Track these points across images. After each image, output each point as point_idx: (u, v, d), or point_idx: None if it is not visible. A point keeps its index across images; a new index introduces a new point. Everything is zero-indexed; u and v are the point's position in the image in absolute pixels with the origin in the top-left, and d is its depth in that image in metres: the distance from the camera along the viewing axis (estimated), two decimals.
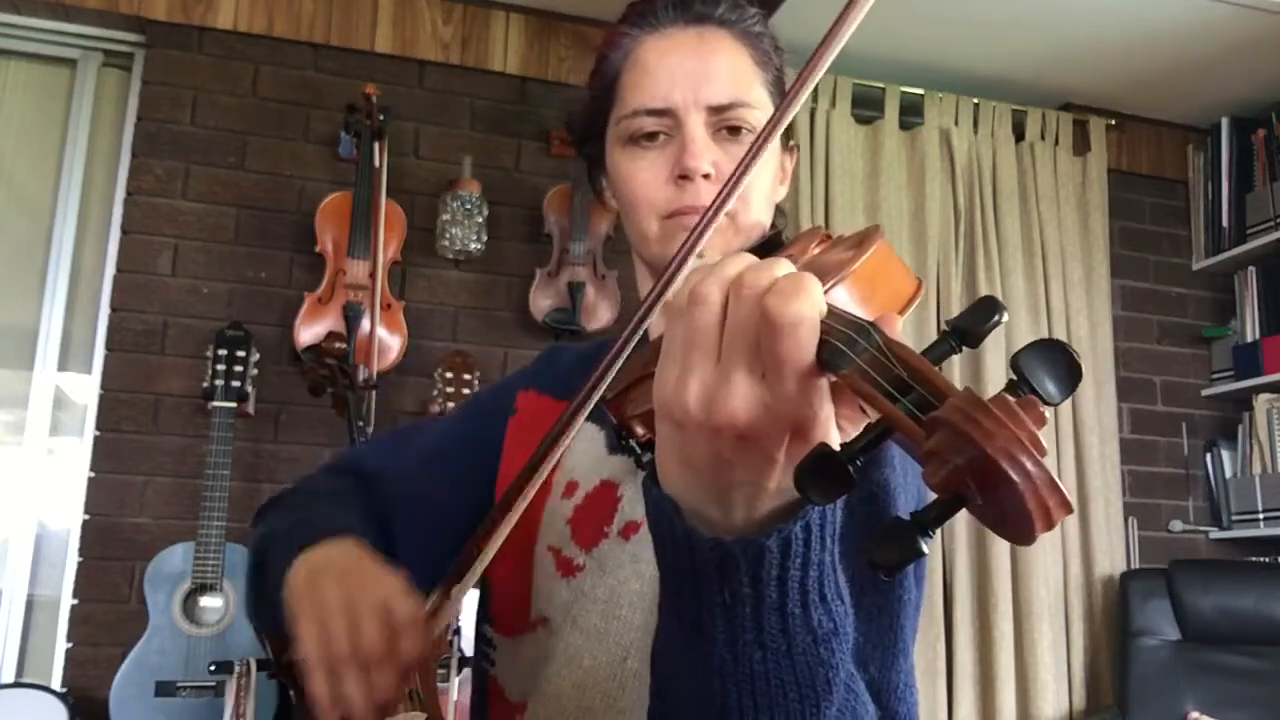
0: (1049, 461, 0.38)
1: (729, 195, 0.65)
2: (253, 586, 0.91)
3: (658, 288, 0.63)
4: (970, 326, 0.45)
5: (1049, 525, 0.37)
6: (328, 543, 0.82)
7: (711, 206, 0.66)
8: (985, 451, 0.37)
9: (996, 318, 0.45)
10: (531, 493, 0.71)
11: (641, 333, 0.64)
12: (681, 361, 0.48)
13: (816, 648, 0.51)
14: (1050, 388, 0.41)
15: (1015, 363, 0.42)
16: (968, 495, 0.39)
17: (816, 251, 0.74)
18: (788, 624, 0.50)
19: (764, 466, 0.48)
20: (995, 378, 2.98)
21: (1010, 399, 0.39)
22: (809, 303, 0.45)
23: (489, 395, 1.04)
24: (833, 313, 0.46)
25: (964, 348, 0.45)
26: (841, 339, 0.45)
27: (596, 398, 0.65)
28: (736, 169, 0.65)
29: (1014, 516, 0.38)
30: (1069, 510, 0.37)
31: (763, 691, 0.51)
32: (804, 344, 0.45)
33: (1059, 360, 0.42)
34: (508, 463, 0.95)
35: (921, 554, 0.40)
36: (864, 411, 0.48)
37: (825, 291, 0.57)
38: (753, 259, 0.49)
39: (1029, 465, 0.37)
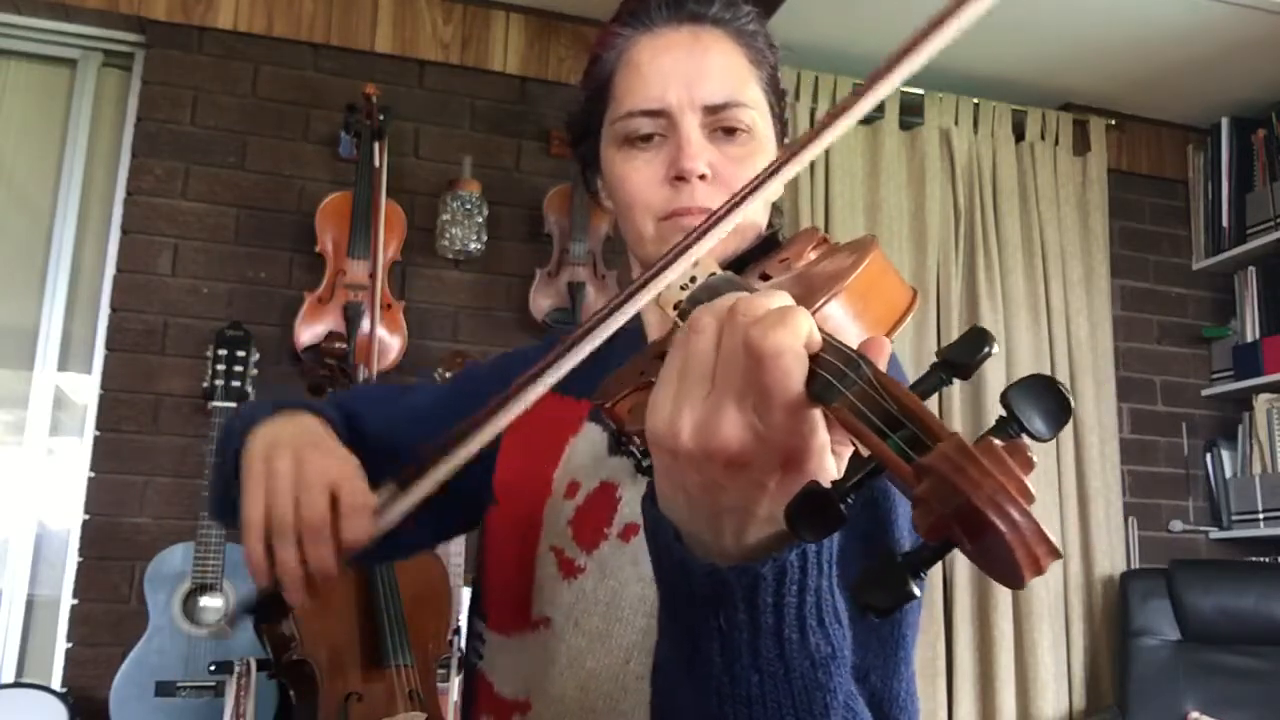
0: (1048, 499, 0.38)
1: (726, 216, 0.65)
2: (215, 469, 0.90)
3: (646, 277, 0.63)
4: (960, 359, 0.45)
5: (1037, 572, 0.37)
6: (293, 415, 0.82)
7: (710, 219, 0.65)
8: (972, 502, 0.37)
9: (986, 349, 0.45)
10: (512, 410, 0.69)
11: (625, 328, 0.64)
12: (676, 389, 0.49)
13: (814, 671, 0.51)
14: (1039, 425, 0.41)
15: (1005, 400, 0.41)
16: (957, 542, 0.39)
17: (813, 256, 0.74)
18: (784, 649, 0.51)
19: (755, 494, 0.48)
20: (995, 378, 2.98)
21: (997, 444, 0.39)
22: (791, 334, 0.45)
23: (486, 371, 1.03)
24: (826, 343, 0.46)
25: (955, 380, 0.45)
26: (832, 371, 0.45)
27: (568, 363, 0.65)
28: (743, 190, 0.64)
29: (1003, 563, 0.38)
30: (1057, 557, 0.37)
31: (759, 714, 0.51)
32: (788, 375, 0.45)
33: (1048, 397, 0.41)
34: (506, 455, 0.95)
35: (914, 597, 0.40)
36: (854, 445, 0.48)
37: (819, 307, 0.57)
38: (753, 293, 0.49)
39: (1016, 515, 0.37)
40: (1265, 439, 3.17)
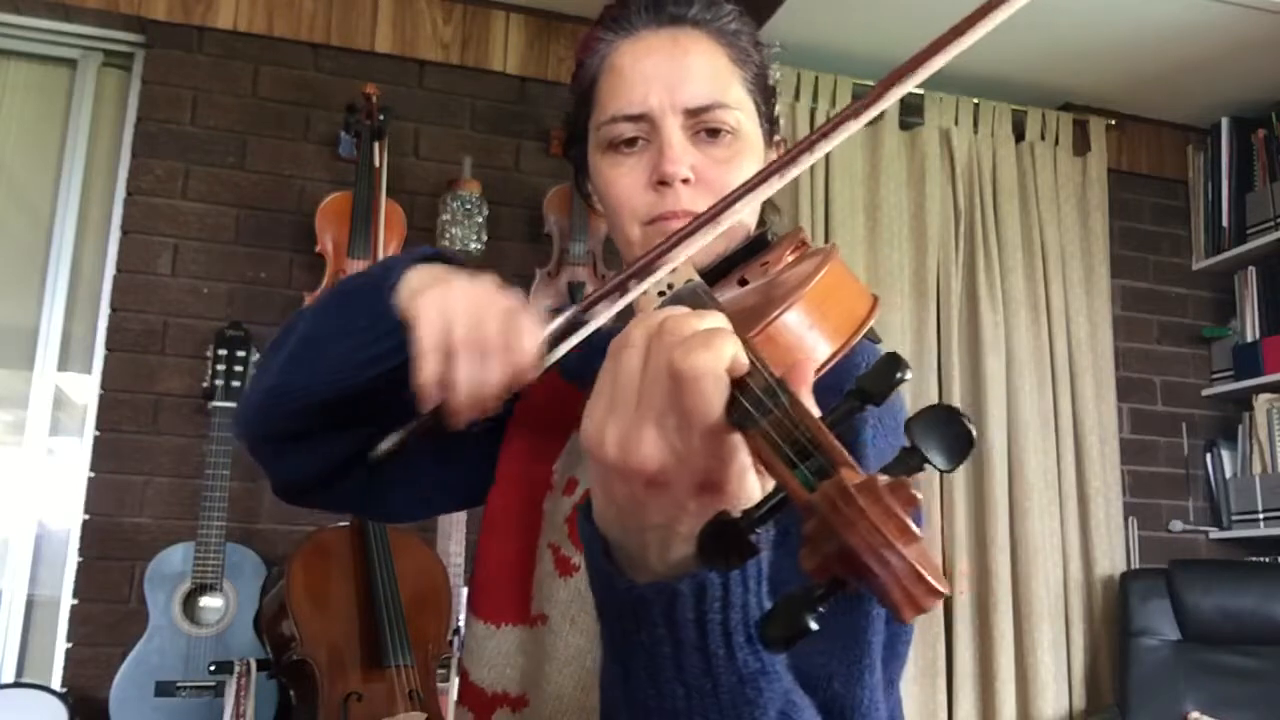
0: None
1: (707, 223, 0.65)
2: (350, 317, 0.81)
3: (627, 273, 0.63)
4: (873, 387, 0.45)
5: (918, 611, 0.37)
6: (444, 263, 0.81)
7: (693, 223, 0.65)
8: (847, 542, 0.38)
9: (899, 375, 0.45)
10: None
11: (617, 304, 0.65)
12: (607, 399, 0.50)
13: (742, 687, 0.51)
14: (938, 458, 0.41)
15: (906, 429, 0.41)
16: (843, 580, 0.39)
17: (790, 259, 0.74)
18: (710, 664, 0.51)
19: (675, 513, 0.49)
20: (995, 379, 2.97)
21: (881, 481, 0.39)
22: (713, 357, 0.45)
23: None
24: (752, 368, 0.47)
25: (868, 406, 0.45)
26: (750, 399, 0.45)
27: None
28: (725, 200, 0.65)
29: (885, 601, 0.38)
30: (939, 597, 0.37)
31: None
32: (706, 398, 0.45)
33: (949, 428, 0.41)
34: (509, 440, 0.95)
35: (808, 630, 0.40)
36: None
37: (775, 318, 0.58)
38: (685, 310, 0.50)
39: (890, 558, 0.37)
40: (1265, 439, 3.17)
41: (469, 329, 0.70)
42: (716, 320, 0.49)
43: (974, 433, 0.41)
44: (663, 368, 0.47)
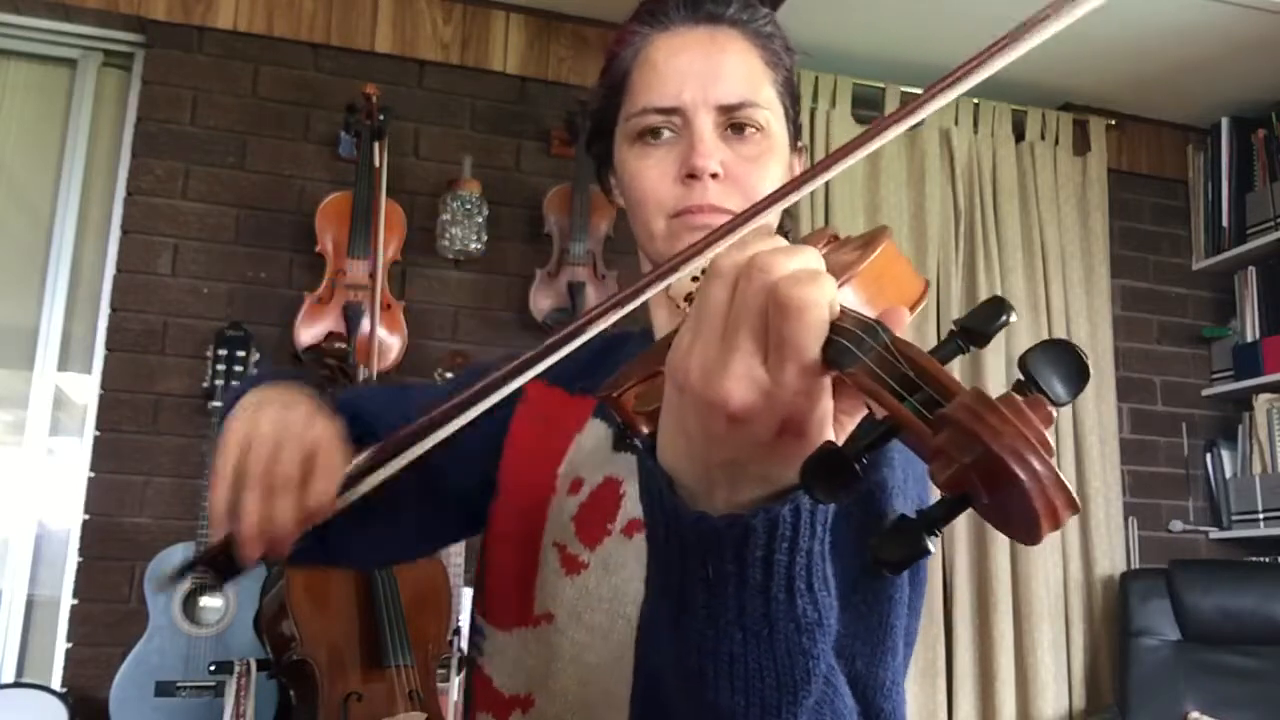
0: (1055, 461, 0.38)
1: (748, 221, 0.65)
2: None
3: (651, 277, 0.63)
4: (978, 326, 0.45)
5: (1055, 525, 0.37)
6: (289, 385, 0.82)
7: (727, 225, 0.65)
8: (992, 449, 0.37)
9: (1004, 318, 0.45)
10: (499, 392, 0.68)
11: (626, 309, 0.64)
12: (694, 329, 0.49)
13: (799, 636, 0.51)
14: (1059, 388, 0.41)
15: (1023, 363, 0.41)
16: (974, 494, 0.38)
17: (824, 252, 0.74)
18: (770, 608, 0.50)
19: (751, 450, 0.48)
20: (995, 376, 2.98)
21: (1018, 398, 0.39)
22: (820, 290, 0.45)
23: (493, 368, 1.04)
24: (844, 313, 0.46)
25: (971, 348, 0.45)
26: (849, 337, 0.44)
27: (561, 350, 0.65)
28: (760, 203, 0.64)
29: (1020, 516, 0.37)
30: (1075, 510, 0.37)
31: (740, 674, 0.51)
32: (811, 330, 0.45)
33: (1067, 360, 0.41)
34: (511, 449, 0.95)
35: (927, 552, 0.40)
36: (869, 408, 0.48)
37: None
38: (776, 240, 0.49)
39: (1036, 464, 0.37)
40: (1265, 439, 3.17)
41: (264, 461, 0.71)
42: (813, 253, 0.48)
43: (1090, 367, 0.42)
44: (756, 297, 0.46)
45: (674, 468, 0.52)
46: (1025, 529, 0.38)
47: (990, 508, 0.38)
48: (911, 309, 0.61)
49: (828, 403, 0.47)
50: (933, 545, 0.40)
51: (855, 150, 0.63)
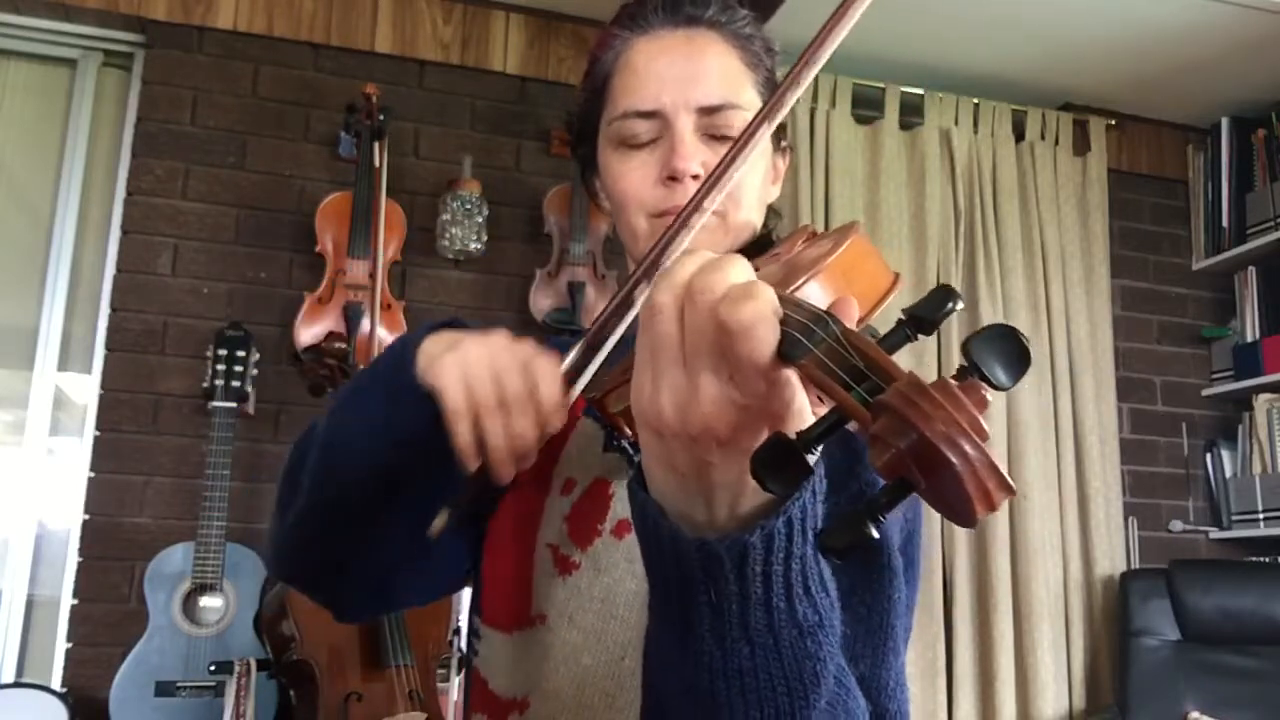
0: (1000, 447, 0.39)
1: (707, 193, 0.66)
2: (369, 400, 0.81)
3: (637, 273, 0.64)
4: (925, 314, 0.45)
5: (990, 507, 0.37)
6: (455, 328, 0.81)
7: (691, 202, 0.66)
8: (924, 434, 0.37)
9: (950, 305, 0.45)
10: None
11: (628, 316, 0.65)
12: (651, 370, 0.49)
13: (803, 640, 0.52)
14: (1000, 374, 0.41)
15: (965, 348, 0.42)
16: (912, 479, 0.39)
17: (801, 247, 0.75)
18: (773, 619, 0.51)
19: (746, 464, 0.48)
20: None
21: (952, 383, 0.39)
22: (762, 303, 0.45)
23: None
24: (793, 303, 0.47)
25: (919, 335, 0.46)
26: (799, 329, 0.45)
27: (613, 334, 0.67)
28: (718, 166, 0.66)
29: (955, 499, 0.38)
30: (1010, 493, 0.37)
31: (751, 687, 0.52)
32: (764, 343, 0.45)
33: (1009, 347, 0.42)
34: None
35: (871, 538, 0.40)
36: (819, 398, 0.49)
37: (798, 287, 0.57)
38: (703, 258, 0.49)
39: (967, 448, 0.37)
40: (1265, 439, 3.17)
41: (492, 385, 0.71)
42: (741, 262, 0.48)
43: (1030, 350, 0.42)
44: (706, 323, 0.47)
45: (667, 498, 0.53)
46: (960, 512, 0.38)
47: (928, 491, 0.39)
48: (880, 301, 0.62)
49: (802, 394, 0.48)
50: (876, 531, 0.40)
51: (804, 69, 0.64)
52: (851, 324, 0.46)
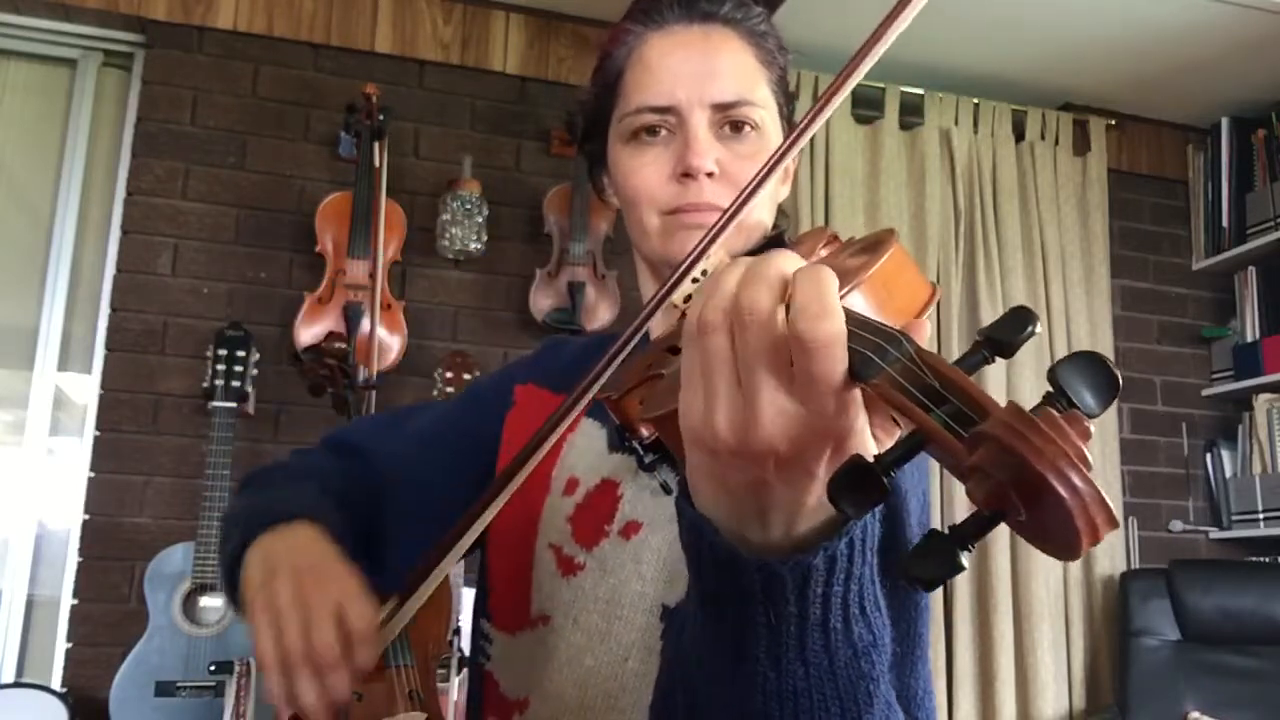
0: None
1: (740, 207, 0.64)
2: (220, 561, 0.91)
3: (661, 292, 0.62)
4: (1004, 337, 0.44)
5: (1095, 541, 0.37)
6: (287, 529, 0.82)
7: (722, 218, 0.64)
8: (1034, 468, 0.36)
9: (1030, 329, 0.44)
10: (502, 500, 0.69)
11: (643, 333, 0.63)
12: (703, 389, 0.47)
13: (858, 661, 0.51)
14: (1089, 400, 0.41)
15: (1053, 375, 0.41)
16: (1011, 511, 0.38)
17: (824, 254, 0.74)
18: (830, 640, 0.50)
19: (805, 483, 0.47)
20: (995, 379, 2.98)
21: (1056, 413, 0.39)
22: (839, 319, 0.44)
23: (488, 385, 1.04)
24: (859, 319, 0.45)
25: (997, 358, 0.44)
26: (871, 348, 0.44)
27: (589, 397, 0.64)
28: (751, 182, 0.64)
29: (1060, 532, 0.37)
30: (1115, 526, 0.36)
31: (805, 708, 0.51)
32: (840, 361, 0.44)
33: (1097, 372, 0.42)
34: (505, 457, 0.95)
35: (962, 568, 0.39)
36: (895, 422, 0.48)
37: (841, 297, 0.57)
38: (748, 269, 0.47)
39: (1078, 482, 0.36)
40: (1265, 439, 3.17)
41: (302, 642, 0.71)
42: (796, 260, 0.47)
43: (1120, 378, 0.42)
44: (763, 340, 0.45)
45: (718, 517, 0.51)
46: (1064, 545, 0.37)
47: (1027, 524, 0.38)
48: (920, 314, 0.60)
49: (864, 415, 0.47)
50: (966, 561, 0.39)
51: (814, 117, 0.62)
52: (923, 344, 0.45)
